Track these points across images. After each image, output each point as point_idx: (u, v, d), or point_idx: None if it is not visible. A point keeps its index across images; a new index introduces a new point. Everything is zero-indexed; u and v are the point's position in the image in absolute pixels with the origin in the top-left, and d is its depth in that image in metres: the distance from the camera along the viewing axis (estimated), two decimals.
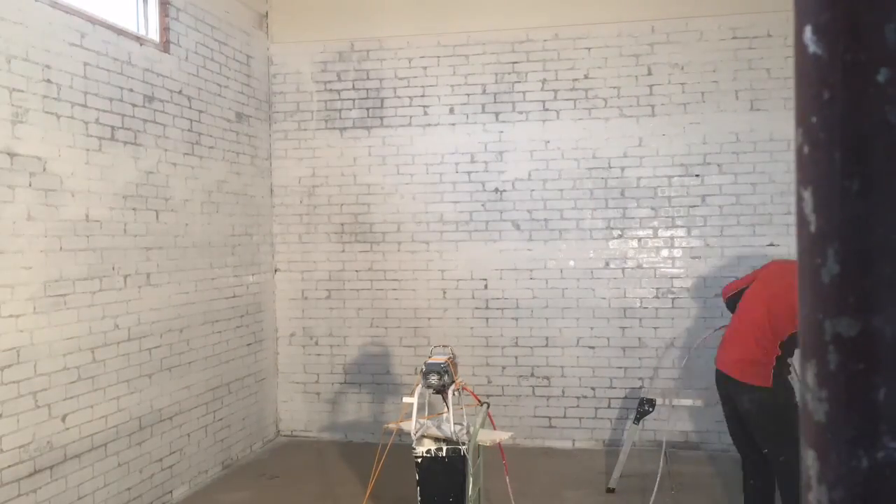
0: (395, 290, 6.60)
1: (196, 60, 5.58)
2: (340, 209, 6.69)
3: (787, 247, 5.96)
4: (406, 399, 3.95)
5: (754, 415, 3.99)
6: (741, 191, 6.08)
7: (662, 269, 6.22)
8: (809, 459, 0.58)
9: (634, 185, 6.23)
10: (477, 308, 6.48)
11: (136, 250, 4.84)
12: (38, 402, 3.99)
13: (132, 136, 4.83)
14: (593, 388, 6.31)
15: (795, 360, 4.01)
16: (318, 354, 6.75)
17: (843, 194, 0.55)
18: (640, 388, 6.10)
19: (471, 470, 3.81)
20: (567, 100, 6.31)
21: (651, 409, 5.32)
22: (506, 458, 4.34)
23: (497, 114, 6.43)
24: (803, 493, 0.60)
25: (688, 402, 5.49)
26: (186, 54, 5.46)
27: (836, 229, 0.56)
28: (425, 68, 6.52)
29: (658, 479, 4.86)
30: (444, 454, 3.80)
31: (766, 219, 6.05)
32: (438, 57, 6.50)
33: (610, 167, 6.26)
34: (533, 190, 6.38)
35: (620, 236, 6.27)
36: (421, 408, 3.89)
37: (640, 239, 6.25)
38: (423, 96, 6.53)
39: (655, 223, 6.22)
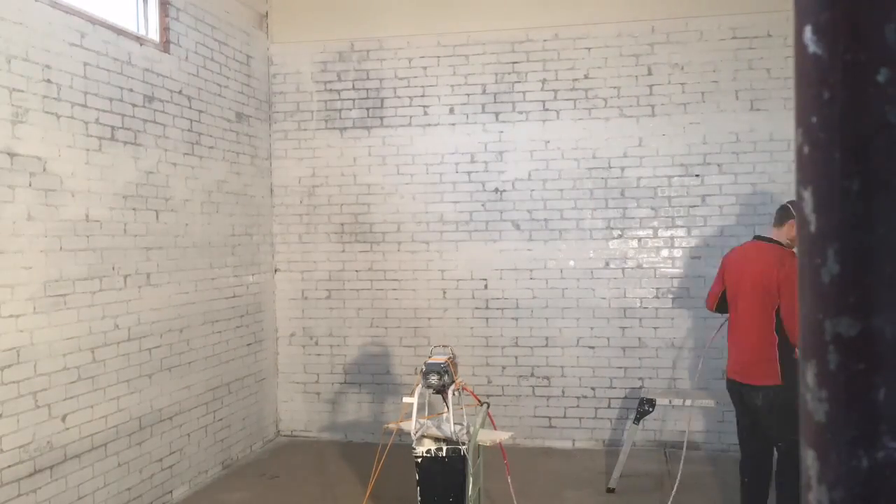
0: (395, 290, 6.60)
1: (196, 60, 5.58)
2: (340, 209, 6.69)
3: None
4: (406, 399, 3.95)
5: (768, 413, 4.02)
6: (741, 191, 6.08)
7: (662, 269, 6.22)
8: (809, 459, 0.58)
9: (634, 185, 6.23)
10: (477, 308, 6.48)
11: (136, 250, 4.84)
12: (38, 402, 3.99)
13: (132, 136, 4.83)
14: (593, 388, 6.31)
15: None
16: (318, 354, 6.75)
17: (843, 194, 0.55)
18: (641, 388, 6.09)
19: (471, 470, 3.81)
20: (567, 100, 6.31)
21: (651, 409, 5.32)
22: (507, 458, 4.34)
23: (497, 114, 6.43)
24: (803, 493, 0.60)
25: (687, 401, 5.48)
26: (186, 54, 5.46)
27: (836, 229, 0.56)
28: (425, 68, 6.52)
29: (678, 478, 4.78)
30: (444, 454, 3.80)
31: (766, 219, 6.03)
32: (438, 57, 6.50)
33: (610, 167, 6.26)
34: (533, 190, 6.38)
35: (620, 236, 6.27)
36: (421, 408, 3.89)
37: (640, 239, 6.25)
38: (423, 96, 6.53)
39: (655, 223, 6.22)
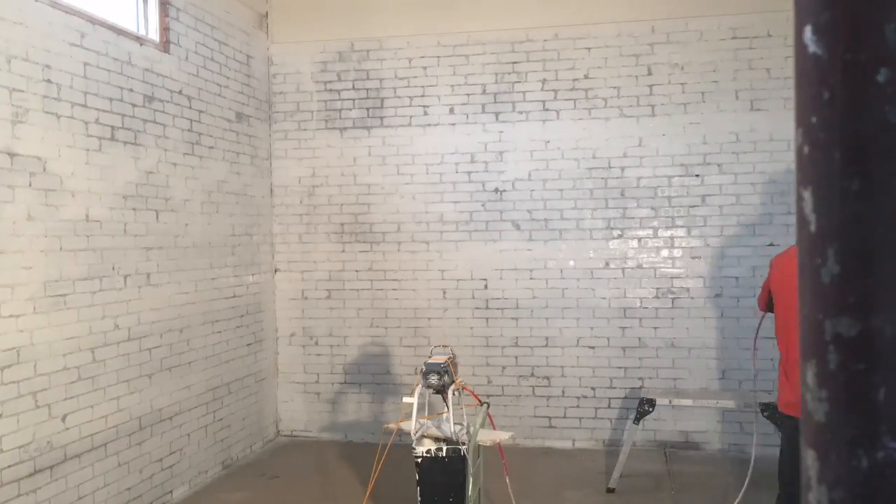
0: (395, 290, 6.60)
1: (196, 60, 5.58)
2: (340, 209, 6.69)
3: (787, 247, 5.95)
4: (406, 399, 3.95)
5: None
6: (741, 191, 6.08)
7: (662, 269, 6.22)
8: (809, 459, 0.58)
9: (634, 185, 6.23)
10: (477, 308, 6.48)
11: (136, 250, 4.84)
12: (38, 402, 3.99)
13: (132, 136, 4.83)
14: (593, 388, 6.31)
15: None
16: (318, 354, 6.75)
17: (843, 194, 0.55)
18: (641, 388, 6.09)
19: (471, 470, 3.81)
20: (567, 100, 6.31)
21: (651, 409, 5.32)
22: (505, 458, 4.34)
23: (497, 114, 6.43)
24: (803, 493, 0.60)
25: (687, 401, 5.48)
26: (186, 54, 5.46)
27: (836, 229, 0.56)
28: (425, 68, 6.52)
29: (748, 479, 4.50)
30: (444, 454, 3.80)
31: (766, 219, 6.05)
32: (438, 57, 6.50)
33: (610, 167, 6.26)
34: (533, 190, 6.38)
35: (620, 236, 6.27)
36: (421, 408, 3.89)
37: (640, 239, 6.25)
38: (423, 96, 6.53)
39: (655, 223, 6.22)
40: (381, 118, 6.62)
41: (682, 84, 6.15)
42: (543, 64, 6.35)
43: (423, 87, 6.53)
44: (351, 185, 6.67)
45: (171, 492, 5.16)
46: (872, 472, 0.55)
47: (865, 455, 0.55)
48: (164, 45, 5.23)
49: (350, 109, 6.67)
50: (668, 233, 6.20)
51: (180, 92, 5.36)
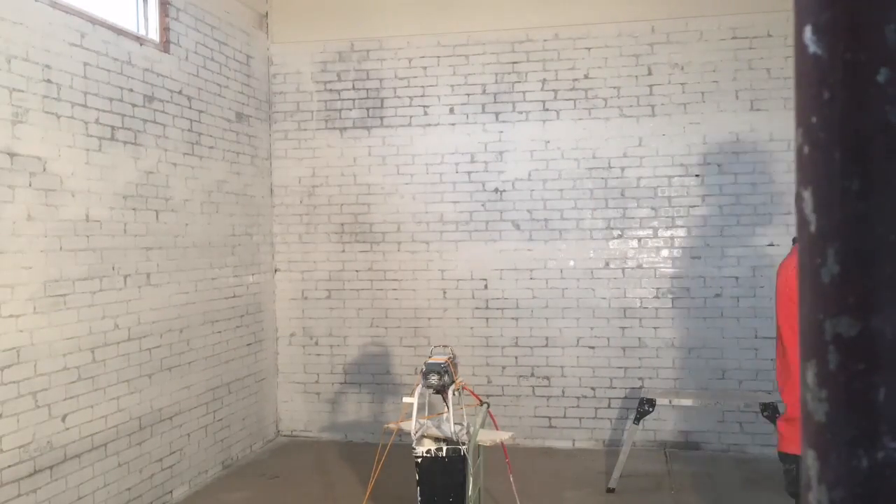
0: (395, 290, 6.60)
1: (196, 60, 5.58)
2: (340, 209, 6.69)
3: (787, 247, 5.95)
4: (406, 399, 3.95)
5: (796, 498, 2.98)
6: (741, 191, 6.08)
7: (662, 269, 6.22)
8: (809, 459, 0.58)
9: (634, 185, 6.23)
10: (477, 308, 6.48)
11: (136, 250, 4.84)
12: (38, 402, 3.99)
13: (132, 136, 4.83)
14: (593, 388, 6.31)
15: None
16: (318, 354, 6.75)
17: (843, 194, 0.55)
18: (641, 388, 6.09)
19: (471, 470, 3.81)
20: (567, 100, 6.31)
21: (651, 409, 5.32)
22: (509, 458, 4.34)
23: (497, 114, 6.43)
24: (803, 493, 0.60)
25: (687, 401, 5.49)
26: (186, 54, 5.46)
27: (836, 229, 0.56)
28: (425, 68, 6.52)
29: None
30: (444, 454, 3.80)
31: (766, 219, 6.05)
32: (438, 57, 6.50)
33: (610, 167, 6.26)
34: (533, 190, 6.38)
35: (620, 236, 6.27)
36: (421, 408, 3.89)
37: (640, 239, 6.25)
38: (423, 96, 6.53)
39: (655, 223, 6.22)
40: (381, 118, 6.62)
41: (682, 84, 6.15)
42: (543, 64, 6.35)
43: (423, 87, 6.53)
44: (351, 185, 6.67)
45: (171, 492, 5.16)
46: (872, 472, 0.55)
47: (865, 455, 0.55)
48: (164, 45, 5.23)
49: (350, 109, 6.67)
50: (668, 233, 6.20)
51: (180, 92, 5.36)
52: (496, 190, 6.44)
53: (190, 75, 5.49)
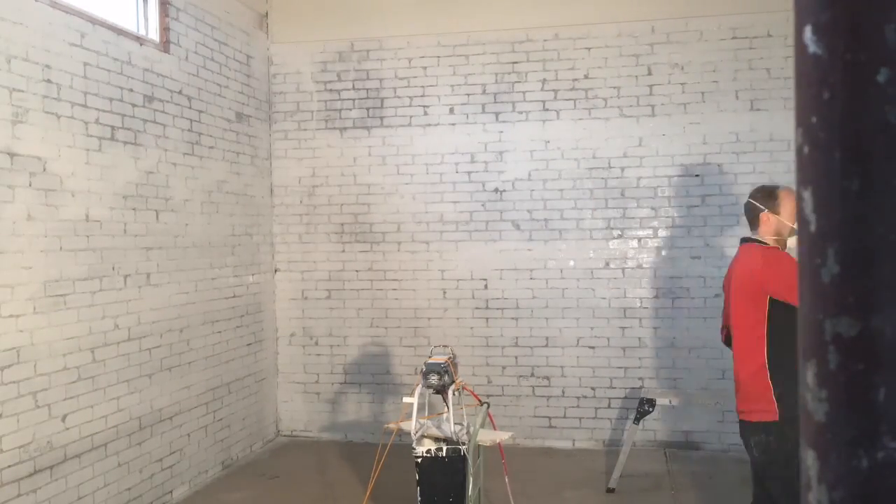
0: (395, 290, 6.60)
1: (196, 60, 5.58)
2: (340, 209, 6.69)
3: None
4: (406, 399, 3.95)
5: (764, 465, 3.27)
6: (741, 191, 6.07)
7: (662, 270, 6.22)
8: (809, 459, 0.58)
9: (634, 185, 6.23)
10: (477, 308, 6.48)
11: (136, 250, 4.84)
12: (38, 402, 3.99)
13: (132, 136, 4.83)
14: (593, 388, 6.31)
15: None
16: (318, 354, 6.75)
17: (843, 194, 0.55)
18: (641, 388, 6.09)
19: (471, 470, 3.81)
20: (567, 100, 6.31)
21: (651, 409, 5.32)
22: (505, 458, 4.34)
23: (497, 114, 6.43)
24: (803, 493, 0.60)
25: (687, 401, 5.49)
26: (186, 54, 5.46)
27: (836, 229, 0.56)
28: (425, 68, 6.52)
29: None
30: (444, 454, 3.80)
31: None
32: (438, 57, 6.50)
33: (610, 167, 6.26)
34: (533, 190, 6.38)
35: (620, 236, 6.27)
36: (421, 408, 3.89)
37: (640, 239, 6.25)
38: (423, 96, 6.53)
39: (655, 223, 6.22)
40: (381, 118, 6.61)
41: (682, 84, 6.15)
42: (543, 64, 6.35)
43: (423, 87, 6.53)
44: (351, 185, 6.67)
45: (171, 492, 5.16)
46: (872, 472, 0.55)
47: (865, 455, 0.55)
48: (164, 45, 5.23)
49: (350, 109, 6.67)
50: (668, 233, 6.20)
51: (180, 92, 5.36)
52: (496, 190, 6.44)
53: (190, 75, 5.49)
